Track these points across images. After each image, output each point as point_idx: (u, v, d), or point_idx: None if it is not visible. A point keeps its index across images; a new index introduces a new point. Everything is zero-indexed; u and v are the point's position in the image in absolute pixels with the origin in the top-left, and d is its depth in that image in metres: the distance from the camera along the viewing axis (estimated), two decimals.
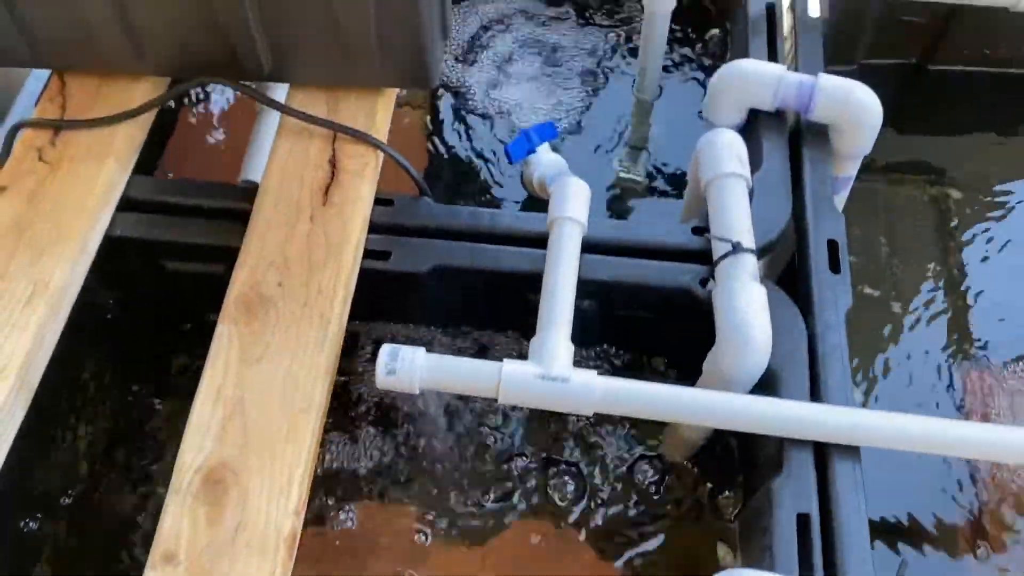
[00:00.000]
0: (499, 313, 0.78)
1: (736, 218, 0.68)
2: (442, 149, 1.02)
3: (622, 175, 1.01)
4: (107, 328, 0.81)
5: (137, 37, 0.70)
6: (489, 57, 1.08)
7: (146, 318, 0.83)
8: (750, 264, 0.66)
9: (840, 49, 0.93)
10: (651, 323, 0.74)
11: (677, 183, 0.99)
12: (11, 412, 0.61)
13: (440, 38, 0.71)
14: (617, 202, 1.00)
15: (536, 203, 0.85)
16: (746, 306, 0.63)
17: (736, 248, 0.66)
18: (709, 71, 1.04)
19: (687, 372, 0.79)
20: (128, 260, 0.74)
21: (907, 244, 1.01)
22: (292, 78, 0.74)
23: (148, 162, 0.95)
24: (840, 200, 0.82)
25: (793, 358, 0.66)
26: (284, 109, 0.72)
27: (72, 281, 0.67)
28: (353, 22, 0.66)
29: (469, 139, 1.03)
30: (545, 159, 0.85)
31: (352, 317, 0.67)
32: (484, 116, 1.04)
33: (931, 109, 0.98)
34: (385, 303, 0.78)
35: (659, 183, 1.00)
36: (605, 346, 0.80)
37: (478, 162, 1.01)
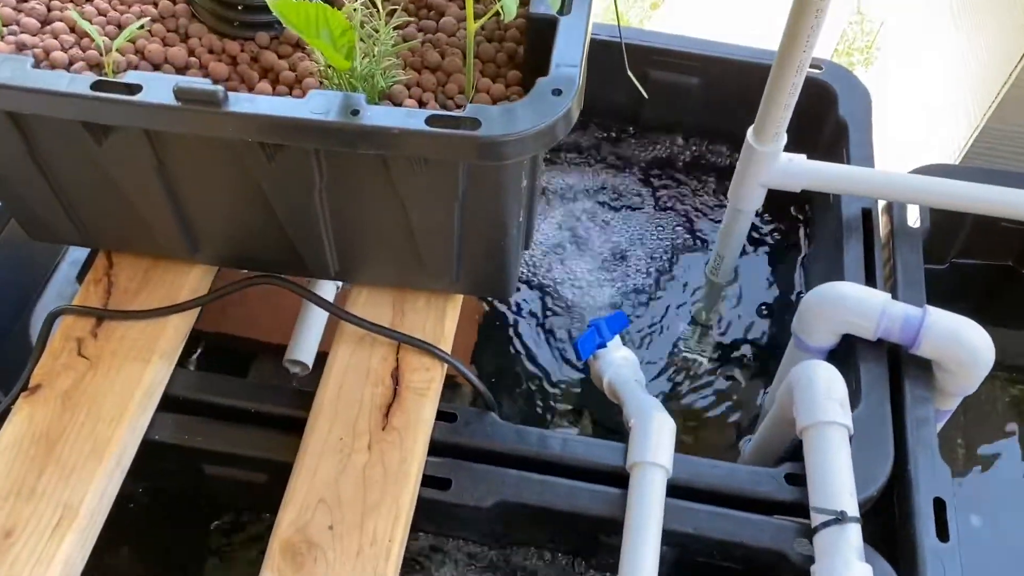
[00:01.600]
0: (567, 545, 0.71)
1: (839, 480, 0.61)
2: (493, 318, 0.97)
3: (685, 354, 0.95)
4: (133, 517, 0.75)
5: (195, 234, 0.65)
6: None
7: (177, 509, 0.77)
8: (855, 537, 0.59)
9: (933, 248, 0.87)
10: (733, 572, 0.67)
11: (739, 365, 0.93)
12: None
13: (520, 251, 0.66)
14: (679, 384, 0.94)
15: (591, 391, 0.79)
16: None
17: (840, 518, 0.59)
18: (783, 258, 0.99)
19: None
20: (164, 462, 0.68)
21: (982, 445, 0.94)
22: (359, 281, 0.68)
23: None
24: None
25: None
26: (349, 318, 0.66)
27: (104, 501, 0.61)
28: (432, 243, 0.60)
29: (520, 309, 0.97)
30: (616, 357, 0.79)
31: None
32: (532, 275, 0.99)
33: (1019, 310, 0.92)
34: (441, 522, 0.71)
35: (725, 366, 0.94)
36: None
37: (529, 340, 0.95)
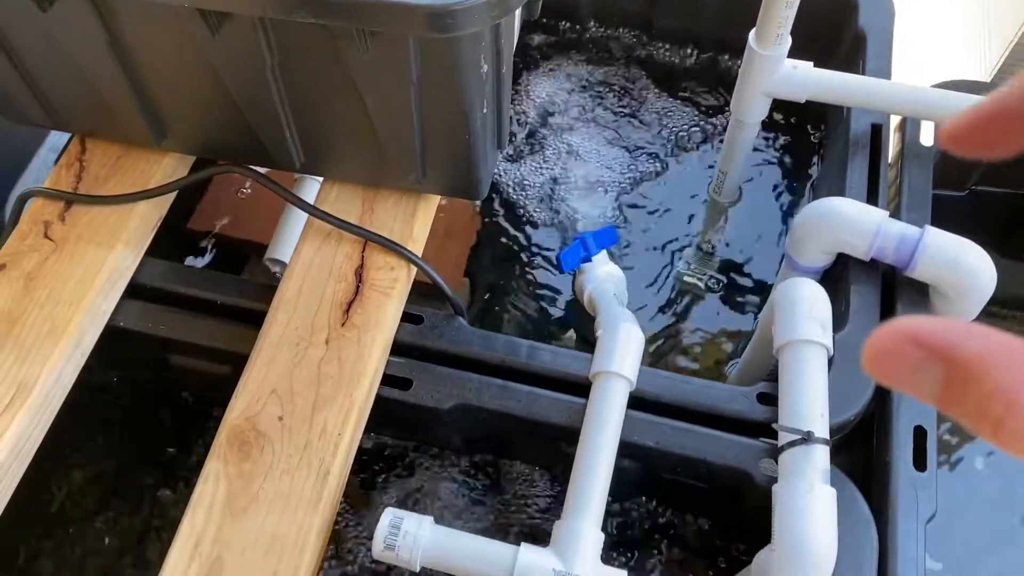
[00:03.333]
0: (527, 454, 0.69)
1: (810, 400, 0.58)
2: (492, 229, 0.94)
3: (686, 278, 0.92)
4: (109, 407, 0.75)
5: (159, 120, 0.63)
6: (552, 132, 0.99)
7: (151, 402, 0.77)
8: (820, 459, 0.56)
9: (951, 173, 0.82)
10: (699, 491, 0.65)
11: (743, 292, 0.90)
12: None
13: (492, 150, 0.63)
14: (675, 304, 0.90)
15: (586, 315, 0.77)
16: (810, 513, 0.54)
17: (807, 438, 0.56)
18: (797, 180, 0.94)
19: (736, 539, 0.70)
20: (130, 349, 0.68)
21: None
22: (327, 175, 0.66)
23: (180, 215, 0.90)
24: None
25: (859, 574, 0.56)
26: (313, 211, 0.64)
27: (60, 383, 0.61)
28: (393, 133, 0.58)
29: (518, 223, 0.94)
30: (600, 272, 0.76)
31: (370, 430, 0.60)
32: (538, 187, 0.96)
33: None
34: (403, 424, 0.70)
35: (726, 291, 0.91)
36: (644, 500, 0.71)
37: (529, 251, 0.92)
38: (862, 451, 0.66)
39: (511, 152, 0.98)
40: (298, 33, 0.51)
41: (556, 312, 0.91)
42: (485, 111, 0.57)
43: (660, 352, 0.88)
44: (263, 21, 0.50)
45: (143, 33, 0.54)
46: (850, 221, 0.65)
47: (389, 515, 0.54)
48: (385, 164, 0.62)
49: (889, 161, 0.74)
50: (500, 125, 0.61)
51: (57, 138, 0.75)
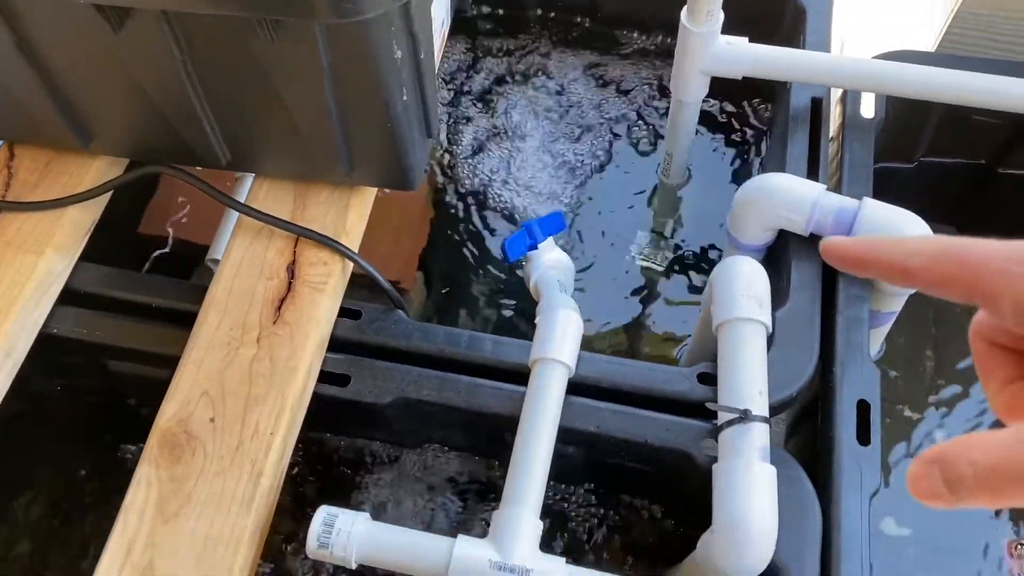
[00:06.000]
0: (473, 444, 0.69)
1: (748, 377, 0.57)
2: (447, 224, 0.93)
3: (640, 263, 0.91)
4: (55, 416, 0.74)
5: (82, 123, 0.62)
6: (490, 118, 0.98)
7: (96, 410, 0.76)
8: (759, 437, 0.55)
9: (898, 144, 0.81)
10: (644, 474, 0.65)
11: (698, 272, 0.89)
12: None
13: (421, 138, 0.62)
14: (630, 290, 0.90)
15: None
16: (748, 492, 0.53)
17: (744, 416, 0.56)
18: (747, 159, 0.94)
19: (684, 521, 0.70)
20: (68, 356, 0.67)
21: (956, 362, 0.89)
22: (255, 171, 0.66)
23: (129, 221, 0.89)
24: (880, 334, 0.71)
25: (802, 552, 0.56)
26: (242, 208, 0.63)
27: None
28: (312, 125, 0.57)
29: (472, 216, 0.94)
30: (546, 259, 0.75)
31: (314, 428, 0.59)
32: (490, 178, 0.95)
33: (997, 214, 0.86)
34: (345, 422, 0.69)
35: (679, 273, 0.90)
36: (591, 486, 0.70)
37: (480, 245, 0.92)
38: (813, 432, 0.65)
39: (461, 144, 0.97)
40: (205, 26, 0.50)
41: (515, 303, 0.90)
42: (406, 98, 0.56)
43: (616, 339, 0.87)
44: (166, 15, 0.49)
45: (50, 33, 0.53)
46: (787, 196, 0.64)
47: (323, 513, 0.54)
48: (311, 157, 0.61)
49: (831, 135, 0.74)
50: (427, 112, 0.60)
51: None
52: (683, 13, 0.69)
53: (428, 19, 0.55)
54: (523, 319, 0.90)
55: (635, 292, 0.90)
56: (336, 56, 0.51)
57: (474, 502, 0.73)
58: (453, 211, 0.94)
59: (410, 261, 0.92)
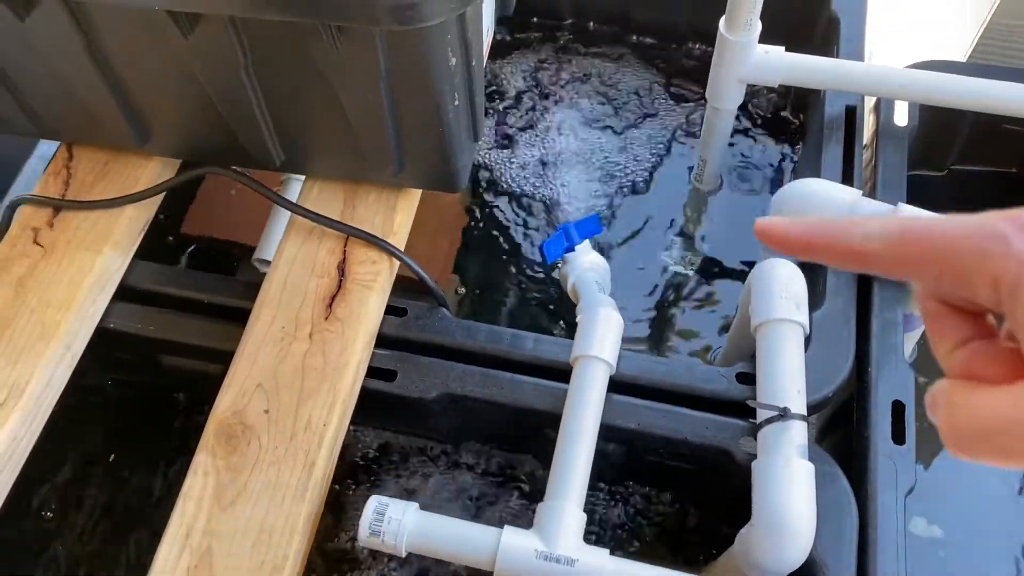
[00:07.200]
0: (515, 440, 0.70)
1: (787, 377, 0.59)
2: (481, 225, 0.95)
3: (671, 267, 0.93)
4: (104, 409, 0.77)
5: (142, 123, 0.64)
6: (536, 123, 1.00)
7: (145, 401, 0.78)
8: (798, 434, 0.57)
9: (929, 153, 0.83)
10: (682, 472, 0.66)
11: (728, 277, 0.91)
12: None
13: (469, 142, 0.64)
14: (662, 293, 0.91)
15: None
16: (788, 487, 0.55)
17: (784, 414, 0.57)
18: (779, 166, 0.95)
19: (721, 519, 0.71)
20: (122, 351, 0.69)
21: None
22: (306, 172, 0.68)
23: (173, 221, 0.91)
24: (912, 338, 0.73)
25: (839, 548, 0.57)
26: (294, 208, 0.65)
27: (52, 385, 0.62)
28: (367, 128, 0.59)
29: (508, 215, 0.95)
30: (583, 261, 0.77)
31: (355, 422, 0.61)
32: (525, 182, 0.97)
33: None
34: (391, 417, 0.71)
35: (710, 279, 0.92)
36: (629, 483, 0.72)
37: (514, 248, 0.93)
38: (848, 432, 0.67)
39: (499, 145, 0.99)
40: (269, 32, 0.53)
41: (548, 304, 0.92)
42: (457, 103, 0.58)
43: (647, 342, 0.89)
44: (234, 21, 0.51)
45: (119, 38, 0.56)
46: (824, 200, 0.66)
47: (374, 502, 0.56)
48: (363, 159, 0.63)
49: (865, 143, 0.75)
50: (475, 117, 0.62)
51: (46, 148, 0.76)
52: (721, 22, 0.71)
53: (480, 26, 0.57)
54: (554, 320, 0.92)
55: (664, 295, 0.92)
56: (394, 62, 0.53)
57: (506, 497, 0.74)
58: (486, 213, 0.96)
59: (446, 262, 0.94)
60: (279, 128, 0.61)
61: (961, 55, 0.87)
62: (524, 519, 0.72)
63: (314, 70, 0.54)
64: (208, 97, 0.59)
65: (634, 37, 0.99)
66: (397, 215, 0.67)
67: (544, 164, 0.97)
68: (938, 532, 0.82)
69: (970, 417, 0.26)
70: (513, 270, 0.94)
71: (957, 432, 0.26)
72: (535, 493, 0.73)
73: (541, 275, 0.93)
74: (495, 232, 0.95)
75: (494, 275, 0.94)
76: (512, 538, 0.54)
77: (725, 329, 0.87)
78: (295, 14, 0.48)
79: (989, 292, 0.26)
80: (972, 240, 0.26)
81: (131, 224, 0.69)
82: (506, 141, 1.00)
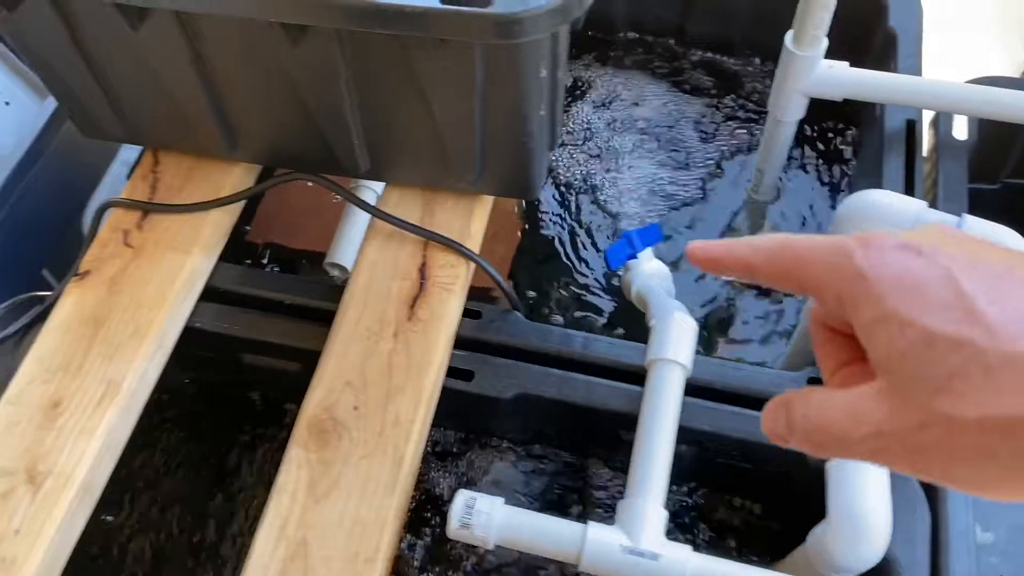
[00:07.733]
0: (587, 442, 0.72)
1: None
2: (537, 232, 0.97)
3: (723, 276, 0.95)
4: (180, 408, 0.79)
5: (233, 131, 0.67)
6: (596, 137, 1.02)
7: (220, 399, 0.81)
8: None
9: (984, 165, 0.84)
10: (753, 474, 0.68)
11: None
12: (73, 522, 0.59)
13: (547, 150, 0.66)
14: (720, 302, 0.93)
15: (632, 308, 0.80)
16: (864, 488, 0.56)
17: None
18: (833, 178, 0.97)
19: (788, 520, 0.73)
20: (206, 349, 0.72)
21: None
22: (389, 179, 0.70)
23: (241, 226, 0.94)
24: None
25: (913, 546, 0.59)
26: (377, 213, 0.68)
27: (145, 381, 0.65)
28: (456, 137, 0.61)
29: (562, 223, 0.98)
30: (646, 268, 0.79)
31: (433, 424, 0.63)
32: (579, 191, 0.99)
33: None
34: (465, 415, 0.73)
35: (766, 288, 0.93)
36: (696, 485, 0.74)
37: (567, 255, 0.95)
38: None
39: (557, 154, 1.01)
40: (372, 44, 0.55)
41: (601, 311, 0.94)
42: (542, 113, 0.60)
43: (706, 351, 0.90)
44: (340, 33, 0.54)
45: (225, 49, 0.58)
46: (890, 211, 0.68)
47: (463, 496, 0.57)
48: (446, 167, 0.65)
49: (923, 156, 0.77)
50: (554, 126, 0.65)
51: (128, 152, 0.79)
52: (787, 37, 0.73)
53: (568, 40, 0.59)
54: (608, 328, 0.94)
55: (716, 305, 0.94)
56: (489, 74, 0.55)
57: (571, 498, 0.76)
58: (542, 218, 0.98)
59: (503, 268, 0.96)
60: (368, 136, 0.64)
61: (1014, 73, 0.88)
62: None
63: (411, 81, 0.57)
64: (302, 106, 0.62)
65: (689, 50, 1.01)
66: (474, 221, 0.70)
67: (598, 173, 1.00)
68: (990, 538, 0.84)
69: (815, 415, 0.29)
70: (566, 278, 0.96)
71: (817, 430, 0.29)
72: (600, 496, 0.75)
73: (594, 282, 0.95)
74: (550, 238, 0.97)
75: (548, 281, 0.96)
76: (598, 533, 0.56)
77: (782, 335, 0.89)
78: (404, 28, 0.51)
79: (836, 305, 0.29)
80: (826, 256, 0.28)
81: (217, 227, 0.71)
82: (560, 150, 1.02)
